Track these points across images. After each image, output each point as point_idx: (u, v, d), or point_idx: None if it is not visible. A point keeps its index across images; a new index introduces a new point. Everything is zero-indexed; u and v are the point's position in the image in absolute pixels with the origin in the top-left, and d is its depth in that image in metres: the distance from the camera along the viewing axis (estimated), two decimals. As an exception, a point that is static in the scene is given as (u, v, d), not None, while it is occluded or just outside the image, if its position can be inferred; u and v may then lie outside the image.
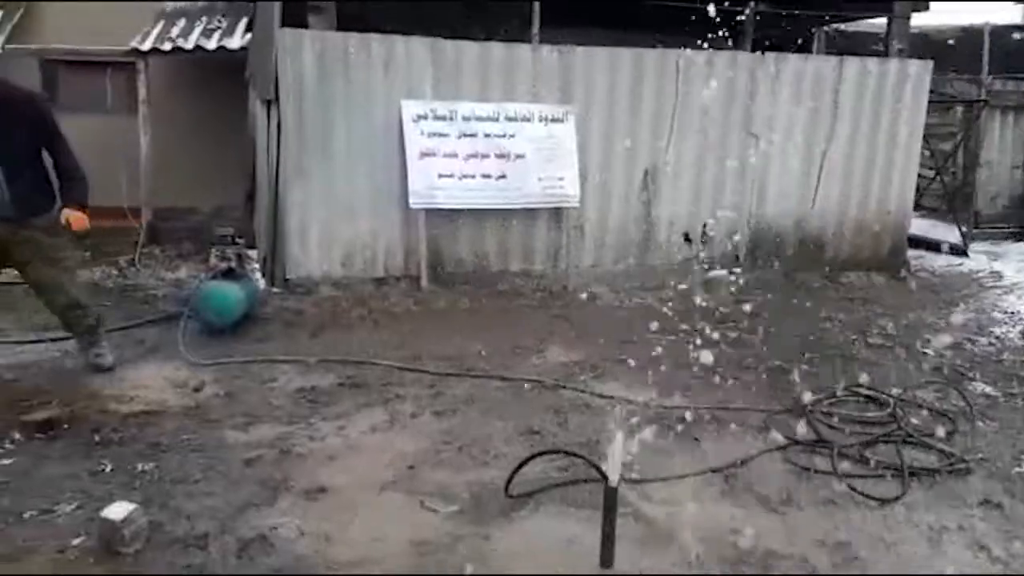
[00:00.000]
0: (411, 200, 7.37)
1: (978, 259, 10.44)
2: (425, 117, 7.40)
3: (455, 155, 7.47)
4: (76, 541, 3.33)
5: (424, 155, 7.38)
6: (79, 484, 3.80)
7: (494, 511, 3.72)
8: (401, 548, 3.40)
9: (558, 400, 5.15)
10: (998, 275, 9.61)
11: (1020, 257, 10.72)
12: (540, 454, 4.00)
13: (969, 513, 3.91)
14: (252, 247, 7.83)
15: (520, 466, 3.86)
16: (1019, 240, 11.75)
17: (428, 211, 7.49)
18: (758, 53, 8.51)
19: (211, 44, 9.40)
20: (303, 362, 5.61)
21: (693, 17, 8.86)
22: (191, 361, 5.53)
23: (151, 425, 4.50)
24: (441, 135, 7.43)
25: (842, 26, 13.08)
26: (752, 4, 8.90)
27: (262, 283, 7.24)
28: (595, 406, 5.06)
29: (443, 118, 7.44)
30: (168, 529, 3.45)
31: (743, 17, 9.12)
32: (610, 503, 3.26)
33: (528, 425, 4.72)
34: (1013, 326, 7.32)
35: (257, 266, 7.57)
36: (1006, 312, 7.88)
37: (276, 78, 7.11)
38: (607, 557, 3.24)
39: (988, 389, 5.65)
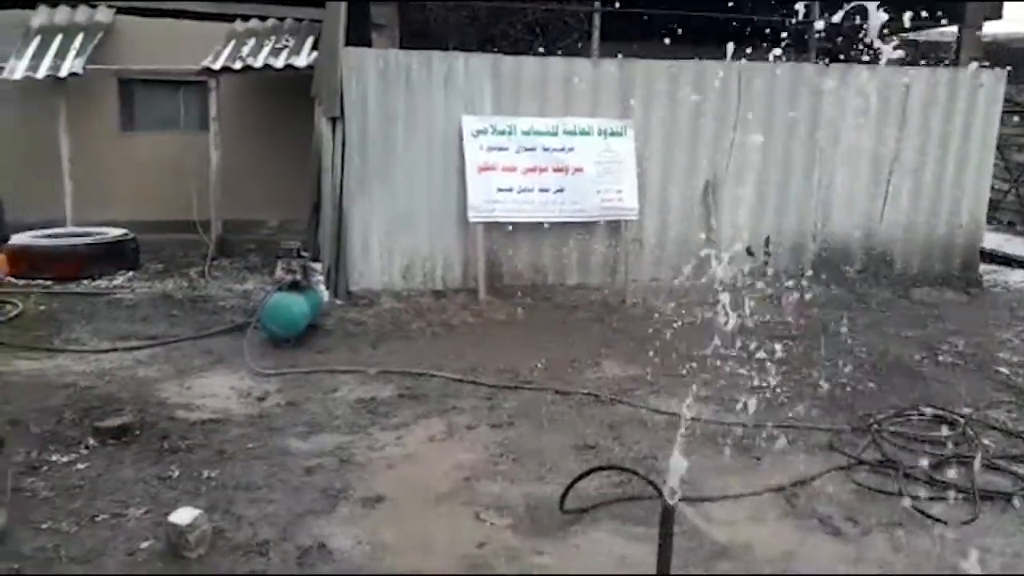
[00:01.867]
0: (470, 214, 7.45)
1: (1056, 274, 10.00)
2: (484, 132, 7.48)
3: (514, 169, 7.53)
4: (144, 544, 3.45)
5: (483, 169, 7.45)
6: (148, 489, 3.94)
7: (548, 526, 3.72)
8: (455, 560, 3.43)
9: (614, 415, 5.12)
10: (1079, 291, 9.19)
11: (1102, 272, 10.23)
12: (595, 470, 3.98)
13: (1044, 540, 3.75)
14: (317, 260, 8.00)
15: (575, 481, 3.85)
16: (1101, 254, 11.21)
17: (487, 224, 7.55)
18: (822, 64, 8.35)
19: (279, 63, 9.67)
20: (363, 373, 5.71)
21: (757, 29, 8.78)
22: (256, 371, 5.68)
23: (216, 433, 4.64)
24: (500, 149, 7.50)
25: (912, 35, 12.74)
26: (816, 15, 8.74)
27: (326, 295, 7.39)
28: (652, 422, 5.02)
29: (502, 133, 7.51)
30: (231, 535, 3.55)
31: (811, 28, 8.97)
32: (667, 521, 3.22)
33: (584, 439, 4.71)
34: (1095, 344, 6.99)
35: (321, 278, 7.73)
36: (1087, 330, 7.53)
37: (341, 95, 7.27)
38: None
39: (1067, 410, 5.41)
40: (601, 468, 4.06)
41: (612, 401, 5.31)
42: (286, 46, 10.09)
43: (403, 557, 3.44)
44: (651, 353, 6.29)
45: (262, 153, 10.48)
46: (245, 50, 9.96)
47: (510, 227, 7.64)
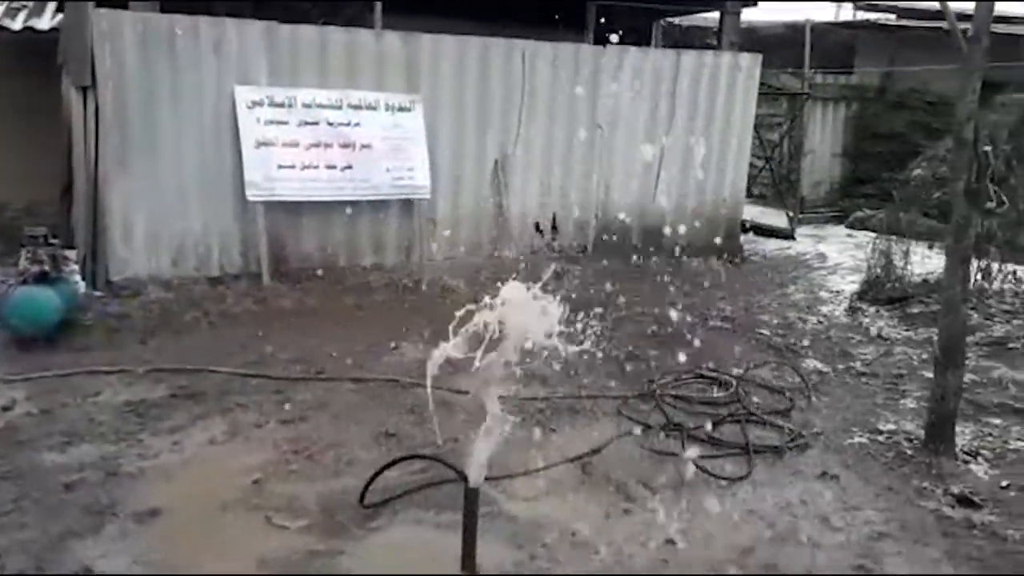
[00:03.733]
0: (248, 192, 6.94)
1: (804, 242, 11.17)
2: (261, 104, 6.98)
3: (296, 144, 7.10)
4: None
5: (261, 144, 6.96)
6: None
7: (348, 523, 3.53)
8: (247, 571, 3.15)
9: (415, 399, 4.98)
10: (823, 256, 10.31)
11: (841, 239, 11.57)
12: (395, 462, 3.83)
13: (810, 487, 4.11)
14: (70, 246, 7.14)
15: (375, 476, 3.69)
16: (840, 223, 12.68)
17: (268, 204, 7.08)
18: (600, 46, 8.64)
19: (16, 24, 8.50)
20: (130, 372, 5.15)
21: (537, 9, 8.93)
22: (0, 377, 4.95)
23: (-51, 453, 3.97)
24: (279, 123, 7.04)
25: (677, 20, 13.60)
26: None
27: (82, 286, 6.61)
28: (454, 403, 4.93)
29: (281, 105, 7.05)
30: (-31, 573, 3.04)
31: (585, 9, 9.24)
32: (470, 506, 3.15)
33: (384, 428, 4.54)
34: (838, 304, 7.84)
35: (76, 267, 6.91)
36: (831, 291, 8.44)
37: (93, 63, 6.49)
38: (469, 563, 3.13)
39: (820, 365, 6.00)
40: (402, 459, 3.91)
41: (412, 385, 5.17)
42: (24, 6, 8.88)
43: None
44: (449, 333, 6.22)
45: (0, 127, 9.18)
46: (-28, 8, 8.64)
47: (295, 206, 7.23)
